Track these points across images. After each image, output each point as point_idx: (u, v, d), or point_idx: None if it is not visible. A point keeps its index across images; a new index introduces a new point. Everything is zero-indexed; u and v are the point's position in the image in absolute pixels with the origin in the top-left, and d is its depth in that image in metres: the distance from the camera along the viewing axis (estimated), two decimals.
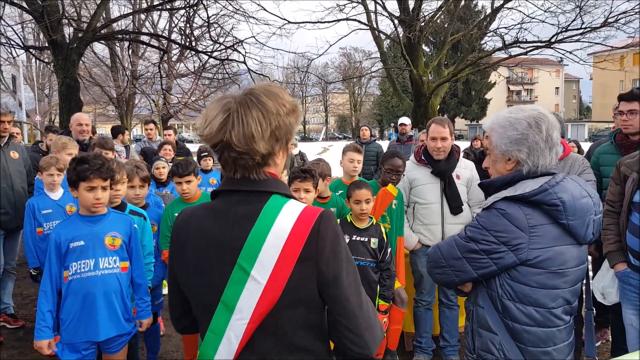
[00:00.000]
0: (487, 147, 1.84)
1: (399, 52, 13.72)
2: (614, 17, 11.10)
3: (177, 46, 13.49)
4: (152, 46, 13.69)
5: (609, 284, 2.82)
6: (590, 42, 11.37)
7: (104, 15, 12.45)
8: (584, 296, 2.88)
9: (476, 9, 23.98)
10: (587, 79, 46.83)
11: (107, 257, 2.54)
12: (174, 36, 14.52)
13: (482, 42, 14.30)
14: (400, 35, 12.45)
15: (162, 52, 13.10)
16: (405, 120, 8.15)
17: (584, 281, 1.78)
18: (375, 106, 53.49)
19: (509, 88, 44.36)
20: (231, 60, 11.57)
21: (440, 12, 12.55)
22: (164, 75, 14.95)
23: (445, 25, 14.15)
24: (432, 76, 14.68)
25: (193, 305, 1.29)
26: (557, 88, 54.58)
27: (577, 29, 10.97)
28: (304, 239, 1.15)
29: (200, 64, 14.14)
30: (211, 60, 13.26)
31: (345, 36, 13.10)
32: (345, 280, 1.18)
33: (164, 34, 14.63)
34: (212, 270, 1.20)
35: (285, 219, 1.16)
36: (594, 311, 1.89)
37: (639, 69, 45.17)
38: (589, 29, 11.08)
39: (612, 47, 14.31)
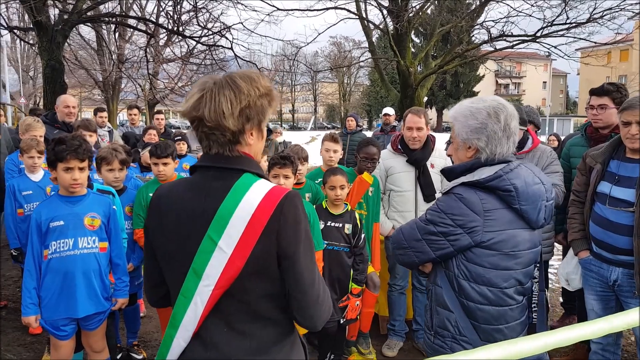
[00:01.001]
0: (451, 136, 1.92)
1: (388, 42, 13.69)
2: (599, 13, 11.23)
3: (164, 31, 13.31)
4: (139, 30, 13.52)
5: (573, 270, 2.94)
6: (575, 37, 11.47)
7: None
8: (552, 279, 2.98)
9: (467, 1, 24.01)
10: (575, 74, 47.26)
11: (86, 237, 2.61)
12: (161, 20, 14.32)
13: (471, 34, 14.36)
14: (389, 25, 12.47)
15: (149, 36, 12.93)
16: (389, 110, 8.21)
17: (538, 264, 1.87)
18: (365, 96, 53.42)
19: (497, 81, 44.79)
20: (218, 46, 11.49)
21: (429, 3, 12.57)
22: (151, 60, 14.74)
23: (435, 17, 14.18)
24: (421, 67, 14.73)
25: (167, 271, 1.38)
26: (544, 82, 54.96)
27: (562, 24, 11.08)
28: (269, 214, 1.24)
29: (188, 50, 13.99)
30: (199, 45, 13.16)
31: (334, 25, 12.93)
32: (302, 257, 1.27)
33: (151, 18, 14.41)
34: (186, 239, 1.29)
35: (254, 195, 1.26)
36: (547, 292, 1.98)
37: (627, 64, 45.77)
38: (574, 24, 11.20)
39: (595, 42, 14.47)
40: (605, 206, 2.64)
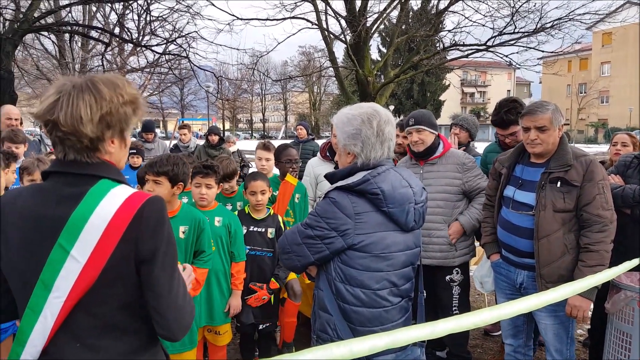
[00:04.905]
0: (336, 142, 1.96)
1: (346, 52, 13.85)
2: (548, 23, 11.65)
3: (118, 40, 13.16)
4: (92, 38, 13.33)
5: (486, 273, 3.00)
6: (526, 47, 11.85)
7: (45, 4, 11.99)
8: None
9: (432, 12, 24.56)
10: (537, 83, 48.80)
11: None
12: (119, 31, 14.14)
13: (429, 44, 14.64)
14: (348, 35, 12.62)
15: (105, 46, 12.76)
16: None
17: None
18: (335, 105, 53.79)
19: (463, 90, 45.81)
20: (175, 54, 11.41)
21: (385, 14, 12.80)
22: (113, 69, 14.52)
23: (393, 27, 14.43)
24: (382, 77, 14.92)
25: (13, 283, 1.31)
26: (508, 91, 56.67)
27: (511, 33, 11.44)
28: (128, 221, 1.21)
29: (148, 60, 13.87)
30: (164, 56, 13.08)
31: (294, 34, 13.05)
32: (160, 261, 1.25)
33: (105, 27, 14.24)
34: (34, 248, 1.23)
35: (110, 201, 1.22)
36: (425, 294, 2.02)
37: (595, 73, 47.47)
38: (525, 34, 11.58)
39: (551, 52, 15.02)
40: (509, 210, 2.69)
